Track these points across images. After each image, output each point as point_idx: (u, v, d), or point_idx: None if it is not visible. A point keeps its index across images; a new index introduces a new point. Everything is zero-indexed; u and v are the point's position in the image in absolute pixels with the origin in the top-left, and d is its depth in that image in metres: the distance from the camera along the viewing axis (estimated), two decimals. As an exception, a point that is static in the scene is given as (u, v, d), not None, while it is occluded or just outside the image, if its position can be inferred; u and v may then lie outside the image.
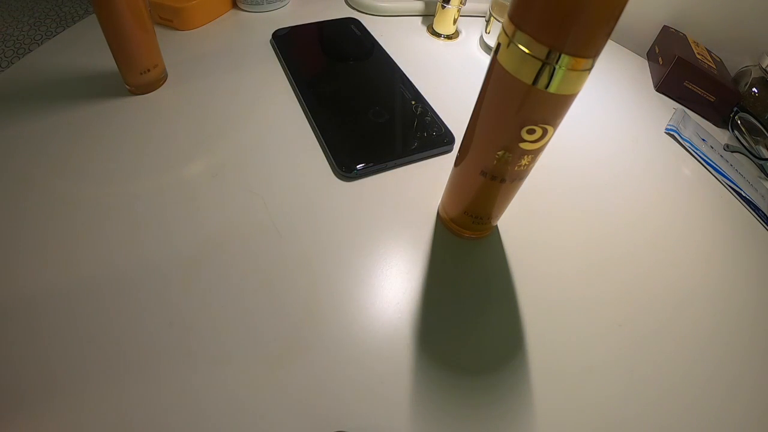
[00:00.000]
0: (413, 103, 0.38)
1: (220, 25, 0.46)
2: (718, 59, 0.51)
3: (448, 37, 0.50)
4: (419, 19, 0.52)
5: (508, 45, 0.20)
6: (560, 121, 0.22)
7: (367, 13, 0.51)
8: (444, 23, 0.49)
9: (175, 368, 0.22)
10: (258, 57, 0.42)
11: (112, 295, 0.24)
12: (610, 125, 0.43)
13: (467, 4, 0.48)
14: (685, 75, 0.46)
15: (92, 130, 0.33)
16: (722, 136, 0.46)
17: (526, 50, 0.19)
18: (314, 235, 0.29)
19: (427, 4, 0.52)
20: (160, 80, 0.37)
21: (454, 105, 0.38)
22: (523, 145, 0.22)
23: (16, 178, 0.29)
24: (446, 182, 0.30)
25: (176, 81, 0.38)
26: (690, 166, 0.40)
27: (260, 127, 0.36)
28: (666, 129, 0.43)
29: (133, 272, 0.26)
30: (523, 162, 0.23)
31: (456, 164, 0.28)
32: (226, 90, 0.38)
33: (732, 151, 0.44)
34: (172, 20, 0.43)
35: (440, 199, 0.32)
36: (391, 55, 0.43)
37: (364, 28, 0.47)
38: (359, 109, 0.37)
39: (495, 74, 0.21)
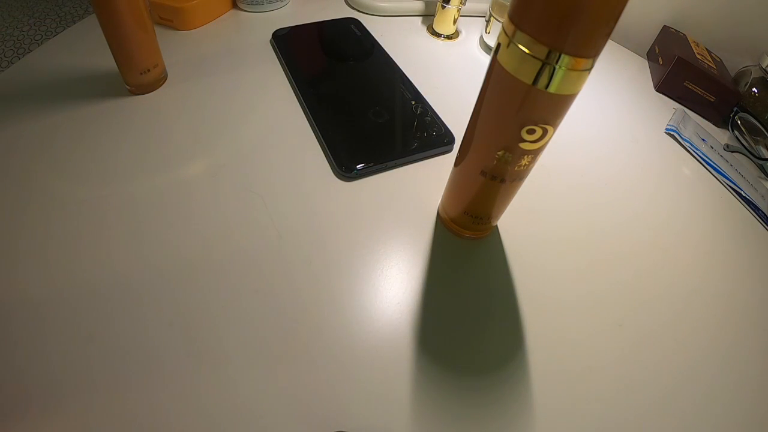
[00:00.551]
0: (413, 103, 0.38)
1: (220, 25, 0.46)
2: (718, 59, 0.51)
3: (448, 37, 0.50)
4: (419, 19, 0.52)
5: (508, 45, 0.20)
6: (560, 121, 0.22)
7: (367, 13, 0.51)
8: (444, 23, 0.49)
9: (174, 368, 0.22)
10: (258, 57, 0.42)
11: (112, 295, 0.24)
12: (610, 125, 0.43)
13: (467, 4, 0.48)
14: (685, 75, 0.46)
15: (92, 130, 0.33)
16: (722, 136, 0.46)
17: (526, 50, 0.19)
18: (314, 235, 0.29)
19: (427, 4, 0.52)
20: (160, 80, 0.37)
21: (454, 105, 0.38)
22: (523, 145, 0.22)
23: (16, 177, 0.29)
24: (446, 182, 0.30)
25: (176, 81, 0.38)
26: (690, 166, 0.40)
27: (260, 127, 0.36)
28: (666, 129, 0.43)
29: (132, 272, 0.26)
30: (523, 162, 0.23)
31: (456, 164, 0.28)
32: (226, 90, 0.38)
33: (732, 151, 0.44)
34: (172, 20, 0.43)
35: (440, 199, 0.32)
36: (391, 55, 0.43)
37: (364, 28, 0.47)
38: (359, 109, 0.37)
39: (495, 74, 0.21)
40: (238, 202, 0.30)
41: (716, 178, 0.40)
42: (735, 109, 0.46)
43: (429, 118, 0.37)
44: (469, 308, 0.27)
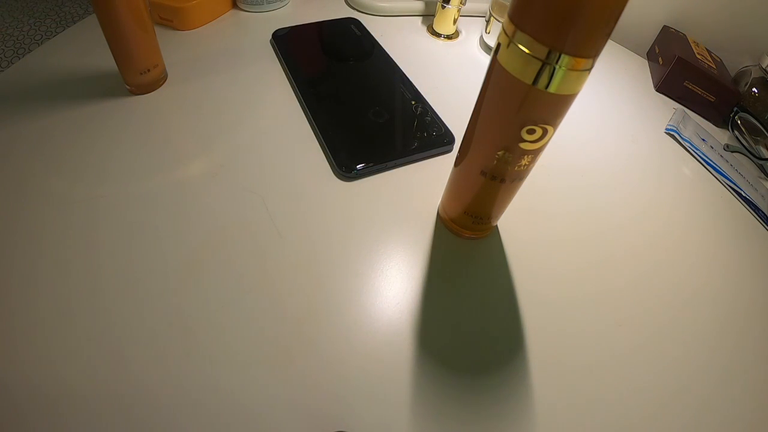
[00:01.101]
0: (413, 103, 0.38)
1: (220, 25, 0.46)
2: (718, 59, 0.51)
3: (448, 37, 0.50)
4: (419, 19, 0.52)
5: (508, 45, 0.20)
6: (560, 121, 0.22)
7: (367, 13, 0.51)
8: (444, 23, 0.49)
9: (174, 368, 0.22)
10: (258, 57, 0.42)
11: (111, 294, 0.24)
12: (610, 125, 0.43)
13: (467, 4, 0.48)
14: (685, 75, 0.46)
15: (92, 129, 0.33)
16: (722, 136, 0.46)
17: (526, 50, 0.19)
18: (314, 235, 0.29)
19: (427, 4, 0.52)
20: (160, 80, 0.37)
21: (454, 105, 0.38)
22: (523, 145, 0.22)
23: (16, 177, 0.29)
24: (446, 182, 0.30)
25: (176, 81, 0.38)
26: (690, 166, 0.40)
27: (260, 127, 0.36)
28: (666, 129, 0.43)
29: (132, 272, 0.26)
30: (523, 162, 0.23)
31: (456, 164, 0.28)
32: (226, 90, 0.38)
33: (732, 151, 0.44)
34: (172, 20, 0.43)
35: (440, 199, 0.32)
36: (391, 55, 0.43)
37: (364, 28, 0.47)
38: (359, 109, 0.37)
39: (495, 74, 0.21)
40: (238, 202, 0.30)
41: (716, 178, 0.40)
42: (735, 109, 0.46)
43: (429, 118, 0.37)
44: (469, 308, 0.27)
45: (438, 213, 0.32)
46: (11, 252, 0.26)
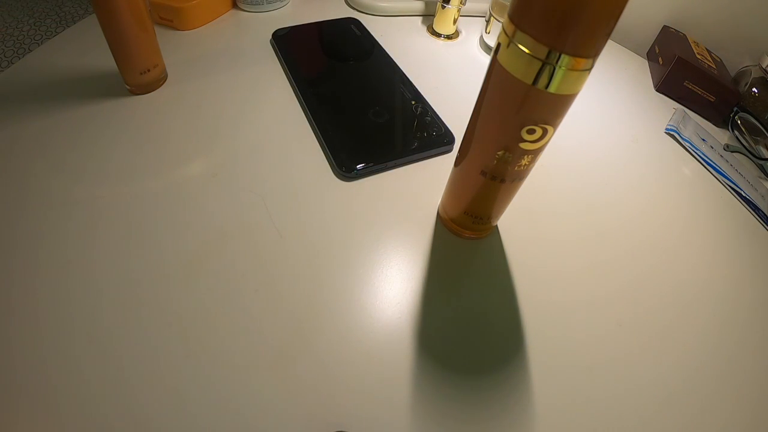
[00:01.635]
0: (413, 103, 0.38)
1: (220, 25, 0.46)
2: (718, 59, 0.51)
3: (448, 37, 0.50)
4: (419, 19, 0.52)
5: (508, 45, 0.20)
6: (560, 121, 0.22)
7: (367, 13, 0.51)
8: (444, 23, 0.49)
9: (174, 369, 0.22)
10: (258, 57, 0.42)
11: (111, 294, 0.24)
12: (610, 125, 0.43)
13: (467, 4, 0.48)
14: (685, 75, 0.46)
15: (92, 129, 0.33)
16: (722, 136, 0.46)
17: (526, 50, 0.19)
18: (314, 235, 0.29)
19: (427, 4, 0.52)
20: (160, 80, 0.37)
21: (454, 105, 0.38)
22: (523, 145, 0.22)
23: (16, 177, 0.29)
24: (446, 182, 0.30)
25: (176, 81, 0.38)
26: (690, 166, 0.40)
27: (260, 127, 0.36)
28: (666, 129, 0.43)
29: (132, 272, 0.26)
30: (523, 162, 0.23)
31: (456, 164, 0.28)
32: (226, 90, 0.38)
33: (732, 151, 0.44)
34: (172, 20, 0.43)
35: (440, 199, 0.32)
36: (391, 55, 0.43)
37: (364, 28, 0.47)
38: (359, 109, 0.37)
39: (495, 74, 0.21)
40: (238, 202, 0.30)
41: (716, 178, 0.40)
42: (735, 109, 0.46)
43: (429, 118, 0.37)
44: (469, 308, 0.27)
45: (438, 213, 0.32)
46: (11, 252, 0.26)
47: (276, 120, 0.36)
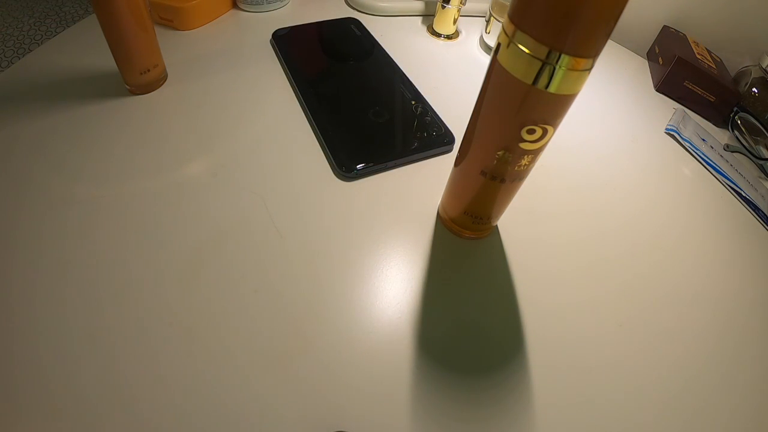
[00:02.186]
0: (413, 103, 0.38)
1: (220, 25, 0.46)
2: (718, 59, 0.51)
3: (448, 37, 0.50)
4: (419, 19, 0.52)
5: (508, 45, 0.20)
6: (560, 121, 0.22)
7: (367, 13, 0.51)
8: (444, 23, 0.49)
9: (173, 369, 0.22)
10: (258, 57, 0.42)
11: (111, 294, 0.24)
12: (610, 125, 0.43)
13: (467, 4, 0.48)
14: (685, 75, 0.46)
15: (92, 129, 0.33)
16: (722, 136, 0.46)
17: (526, 50, 0.19)
18: (314, 235, 0.29)
19: (427, 4, 0.52)
20: (160, 80, 0.37)
21: (454, 105, 0.38)
22: (523, 145, 0.22)
23: (16, 177, 0.29)
24: (446, 182, 0.30)
25: (176, 81, 0.38)
26: (690, 166, 0.40)
27: (260, 127, 0.36)
28: (666, 129, 0.43)
29: (132, 272, 0.26)
30: (523, 162, 0.23)
31: (456, 164, 0.28)
32: (226, 90, 0.38)
33: (732, 151, 0.44)
34: (172, 20, 0.43)
35: (440, 199, 0.32)
36: (391, 55, 0.43)
37: (364, 28, 0.47)
38: (359, 109, 0.37)
39: (495, 74, 0.21)
40: (238, 202, 0.30)
41: (716, 178, 0.40)
42: (735, 109, 0.46)
43: (429, 118, 0.37)
44: (469, 308, 0.27)
45: (438, 213, 0.32)
46: (11, 252, 0.26)
47: (276, 120, 0.36)
